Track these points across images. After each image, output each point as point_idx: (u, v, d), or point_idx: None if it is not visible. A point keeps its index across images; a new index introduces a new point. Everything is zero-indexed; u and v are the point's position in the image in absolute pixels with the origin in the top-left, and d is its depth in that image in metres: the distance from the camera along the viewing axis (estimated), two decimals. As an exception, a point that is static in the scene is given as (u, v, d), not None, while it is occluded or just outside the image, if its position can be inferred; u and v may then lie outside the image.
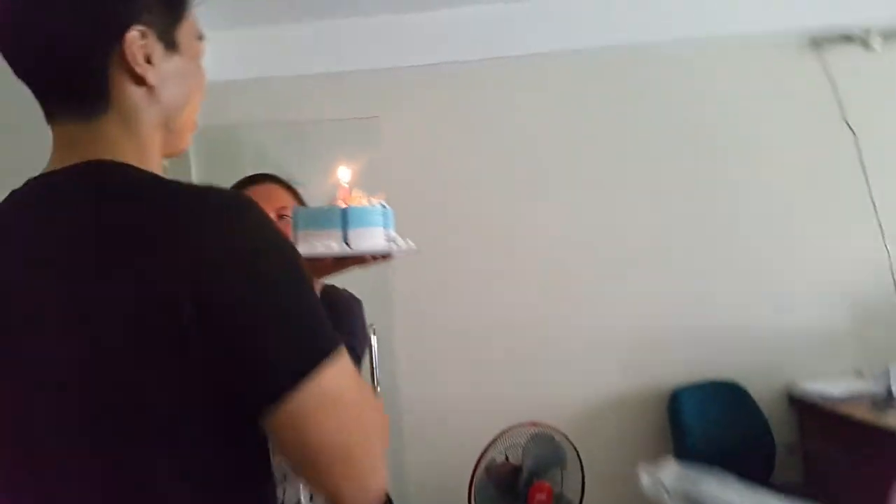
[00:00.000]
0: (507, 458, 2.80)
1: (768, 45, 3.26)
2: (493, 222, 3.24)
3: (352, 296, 1.57)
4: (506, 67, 3.27)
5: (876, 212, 3.18)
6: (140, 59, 0.79)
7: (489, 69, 3.26)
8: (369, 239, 1.14)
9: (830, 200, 3.23)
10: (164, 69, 0.82)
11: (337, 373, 0.74)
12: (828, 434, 2.96)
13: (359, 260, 1.16)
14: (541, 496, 2.64)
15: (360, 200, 1.17)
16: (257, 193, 1.56)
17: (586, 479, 2.71)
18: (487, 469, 2.71)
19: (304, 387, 0.71)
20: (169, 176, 0.80)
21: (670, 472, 1.88)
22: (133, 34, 0.79)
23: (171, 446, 0.73)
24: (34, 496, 0.75)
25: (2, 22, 0.79)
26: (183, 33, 0.85)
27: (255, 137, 3.24)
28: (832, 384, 2.98)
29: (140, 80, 0.80)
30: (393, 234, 1.17)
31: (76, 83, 0.79)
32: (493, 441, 2.71)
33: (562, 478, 2.74)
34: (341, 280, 1.29)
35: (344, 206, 1.15)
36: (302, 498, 1.38)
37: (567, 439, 2.72)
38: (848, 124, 3.18)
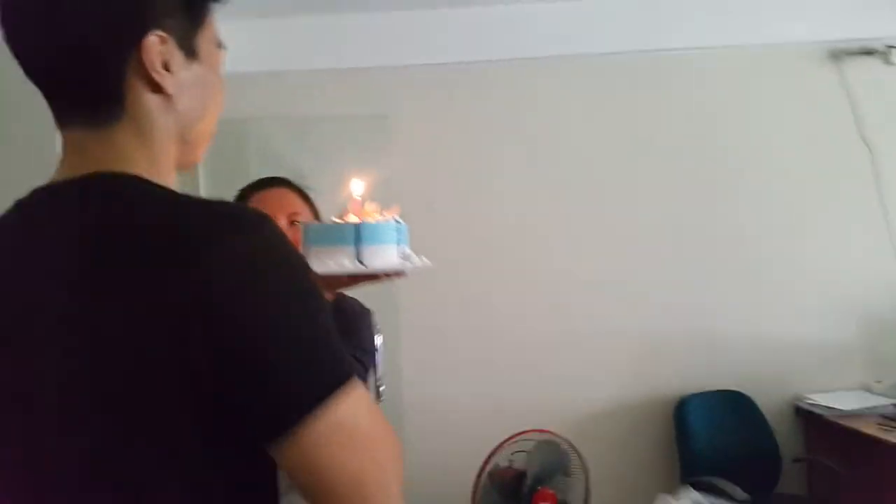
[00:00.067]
0: (510, 464, 2.79)
1: (787, 56, 3.22)
2: (500, 227, 3.21)
3: (361, 306, 1.54)
4: (520, 70, 3.22)
5: (888, 227, 3.16)
6: (158, 65, 0.76)
7: (503, 71, 3.22)
8: (383, 257, 1.10)
9: (843, 213, 3.20)
10: (182, 77, 0.79)
11: (352, 403, 0.72)
12: (833, 447, 2.94)
13: (371, 277, 1.13)
14: (544, 503, 2.63)
15: (372, 215, 1.14)
16: (269, 198, 1.54)
17: (591, 487, 2.70)
18: (491, 474, 2.71)
19: (318, 417, 0.69)
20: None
21: (687, 501, 1.85)
22: (152, 39, 0.75)
23: (174, 466, 0.70)
24: None
25: (15, 21, 0.76)
26: (203, 40, 0.81)
27: (262, 131, 3.20)
28: (840, 398, 2.97)
29: (157, 88, 0.77)
30: (407, 250, 1.14)
31: (90, 87, 0.76)
32: (499, 446, 2.70)
33: (566, 485, 2.73)
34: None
35: (357, 220, 1.12)
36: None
37: (572, 446, 2.71)
38: (863, 139, 3.15)
